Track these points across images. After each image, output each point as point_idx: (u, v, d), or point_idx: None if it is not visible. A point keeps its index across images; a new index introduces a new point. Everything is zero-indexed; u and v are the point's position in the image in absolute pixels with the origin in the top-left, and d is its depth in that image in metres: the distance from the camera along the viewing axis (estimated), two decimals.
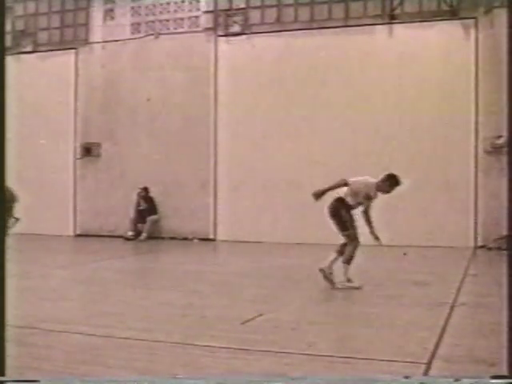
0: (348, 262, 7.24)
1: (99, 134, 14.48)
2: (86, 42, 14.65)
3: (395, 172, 7.43)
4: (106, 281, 8.18)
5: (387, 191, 7.33)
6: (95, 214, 14.50)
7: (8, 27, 14.13)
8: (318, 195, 7.10)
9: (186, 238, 13.63)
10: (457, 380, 3.23)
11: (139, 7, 14.36)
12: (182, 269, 9.48)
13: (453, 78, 12.09)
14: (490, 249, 11.27)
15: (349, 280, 7.20)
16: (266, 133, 13.16)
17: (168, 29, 14.10)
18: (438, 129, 12.09)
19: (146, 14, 14.29)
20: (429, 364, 4.11)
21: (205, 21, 13.82)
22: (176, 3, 14.07)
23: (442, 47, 12.22)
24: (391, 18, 12.52)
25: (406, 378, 3.53)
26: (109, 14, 14.55)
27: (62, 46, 14.78)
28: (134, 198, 13.95)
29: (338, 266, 7.22)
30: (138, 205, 13.98)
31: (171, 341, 4.72)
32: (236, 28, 13.54)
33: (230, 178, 13.54)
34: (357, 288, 7.12)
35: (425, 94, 12.20)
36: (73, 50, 14.72)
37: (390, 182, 7.31)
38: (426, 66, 12.22)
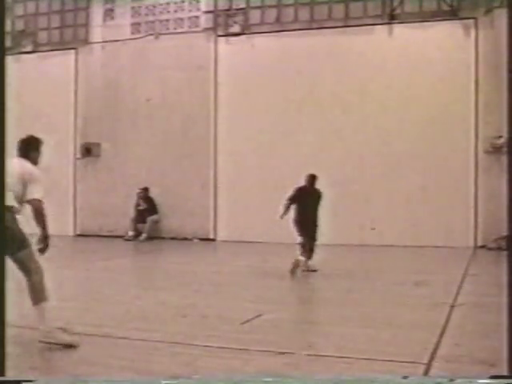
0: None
1: (99, 134, 14.47)
2: (86, 41, 14.64)
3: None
4: (106, 281, 8.18)
5: None
6: (95, 214, 14.49)
7: (8, 27, 14.12)
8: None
9: (186, 238, 13.62)
10: (453, 380, 3.22)
11: (139, 7, 14.36)
12: (182, 269, 9.48)
13: (453, 77, 12.10)
14: (490, 249, 11.27)
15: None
16: (266, 133, 13.15)
17: (168, 29, 14.10)
18: (438, 128, 12.09)
19: (146, 14, 14.29)
20: (429, 364, 4.11)
21: (205, 21, 13.82)
22: (176, 3, 14.07)
23: (442, 47, 12.21)
24: (391, 18, 12.53)
25: (405, 377, 3.53)
26: (109, 14, 14.55)
27: (62, 46, 14.79)
28: (134, 198, 13.95)
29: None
30: (138, 205, 13.98)
31: (171, 341, 4.72)
32: (236, 28, 13.54)
33: (229, 177, 13.54)
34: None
35: (425, 94, 12.20)
36: (73, 50, 14.73)
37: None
38: (426, 65, 12.21)
